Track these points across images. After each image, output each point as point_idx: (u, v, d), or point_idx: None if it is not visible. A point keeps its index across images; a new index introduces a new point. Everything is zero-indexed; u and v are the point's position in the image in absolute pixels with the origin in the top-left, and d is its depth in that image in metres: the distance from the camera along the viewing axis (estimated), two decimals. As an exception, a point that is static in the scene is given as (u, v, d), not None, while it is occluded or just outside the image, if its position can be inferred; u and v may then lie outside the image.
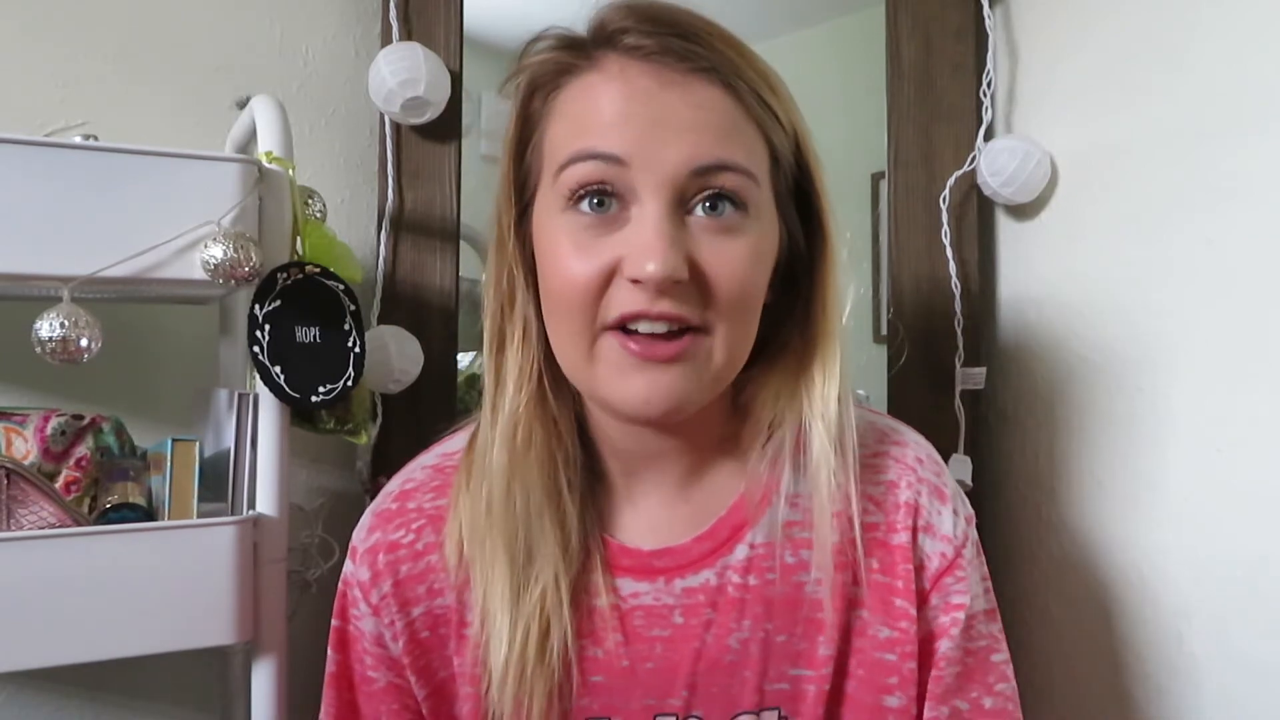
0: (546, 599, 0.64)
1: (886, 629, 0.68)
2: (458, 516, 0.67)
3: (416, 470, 0.73)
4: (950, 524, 0.69)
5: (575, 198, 0.59)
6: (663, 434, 0.67)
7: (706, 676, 0.67)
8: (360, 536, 0.71)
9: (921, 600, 0.68)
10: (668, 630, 0.67)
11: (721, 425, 0.69)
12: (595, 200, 0.59)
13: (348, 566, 0.71)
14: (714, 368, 0.61)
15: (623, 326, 0.59)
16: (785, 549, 0.67)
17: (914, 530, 0.68)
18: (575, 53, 0.61)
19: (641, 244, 0.57)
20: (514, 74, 0.64)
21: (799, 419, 0.65)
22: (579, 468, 0.67)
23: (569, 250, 0.59)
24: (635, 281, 0.57)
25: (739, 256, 0.59)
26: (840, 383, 0.65)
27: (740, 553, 0.67)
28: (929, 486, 0.69)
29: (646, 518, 0.69)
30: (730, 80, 0.59)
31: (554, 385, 0.65)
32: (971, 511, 0.71)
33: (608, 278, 0.59)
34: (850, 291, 0.67)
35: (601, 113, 0.59)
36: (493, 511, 0.65)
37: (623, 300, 0.58)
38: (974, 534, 0.70)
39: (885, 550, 0.68)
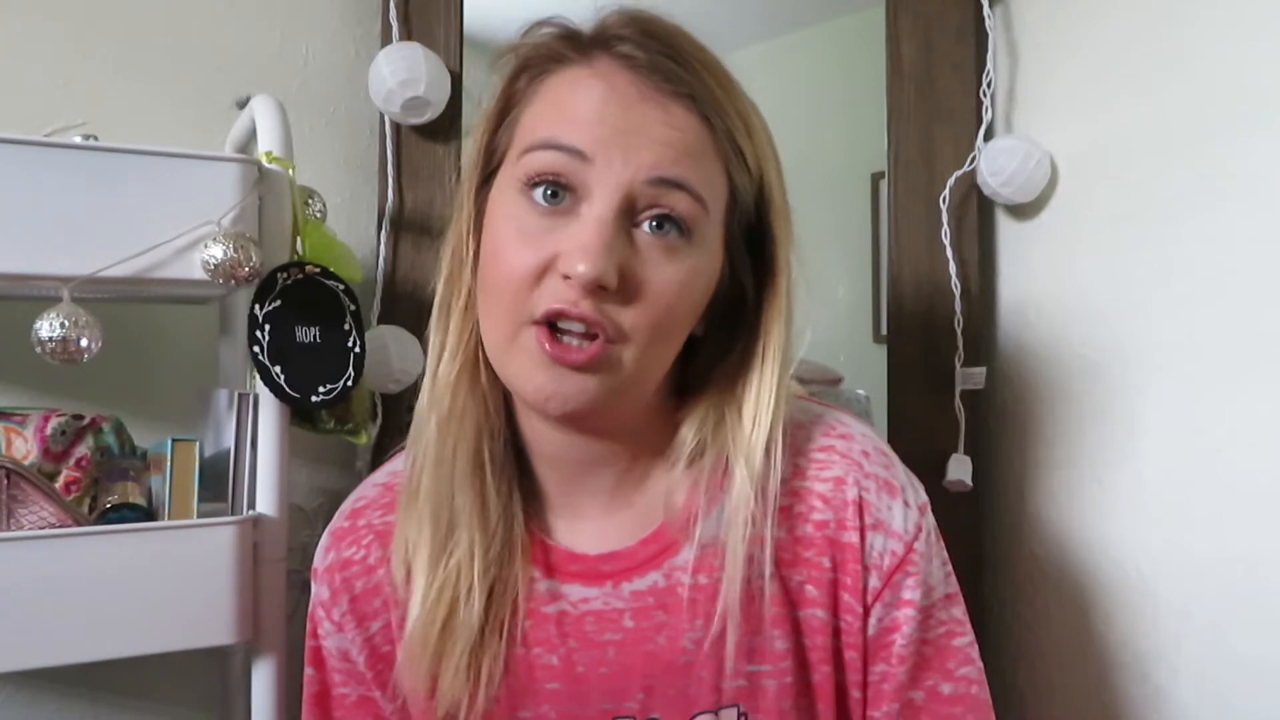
0: (460, 574, 0.65)
1: (839, 624, 0.68)
2: (402, 531, 0.68)
3: (367, 488, 0.73)
4: (901, 519, 0.68)
5: (531, 183, 0.60)
6: (590, 439, 0.67)
7: (662, 678, 0.67)
8: (319, 558, 0.72)
9: (874, 597, 0.67)
10: (619, 634, 0.67)
11: (656, 438, 0.69)
12: (549, 191, 0.60)
13: (312, 586, 0.72)
14: (622, 378, 0.61)
15: (547, 322, 0.59)
16: (750, 599, 0.66)
17: (862, 529, 0.67)
18: (570, 44, 0.62)
19: (579, 243, 0.58)
20: (507, 50, 0.65)
21: (721, 453, 0.66)
22: (503, 441, 0.67)
23: (513, 236, 0.60)
24: (566, 278, 0.58)
25: (672, 278, 0.60)
26: (771, 429, 0.65)
27: (687, 553, 0.67)
28: (877, 481, 0.68)
29: (590, 525, 0.69)
30: (708, 113, 0.60)
31: (486, 357, 0.66)
32: (925, 499, 0.71)
33: (543, 271, 0.59)
34: (807, 337, 0.68)
35: (578, 107, 0.60)
36: (423, 478, 0.66)
37: (551, 294, 0.59)
38: (929, 521, 0.70)
39: (837, 548, 0.67)
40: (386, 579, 0.69)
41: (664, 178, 0.59)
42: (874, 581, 0.67)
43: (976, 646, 0.70)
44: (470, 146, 0.66)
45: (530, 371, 0.60)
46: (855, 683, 0.68)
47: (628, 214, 0.59)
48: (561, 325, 0.59)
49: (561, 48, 0.62)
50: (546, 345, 0.59)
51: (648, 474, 0.69)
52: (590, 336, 0.59)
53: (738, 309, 0.67)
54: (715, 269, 0.64)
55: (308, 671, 0.72)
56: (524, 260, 0.59)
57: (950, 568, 0.71)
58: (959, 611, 0.70)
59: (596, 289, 0.58)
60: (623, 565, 0.68)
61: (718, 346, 0.68)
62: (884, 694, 0.67)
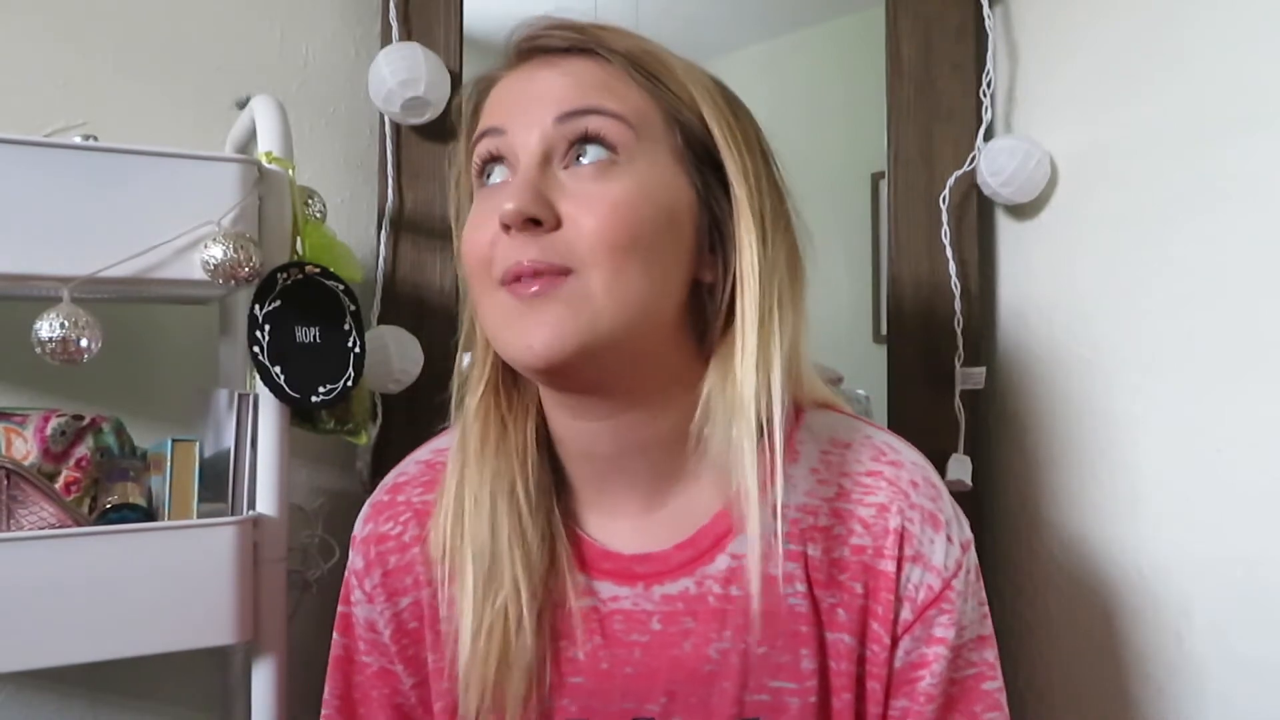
0: (509, 605, 0.65)
1: (865, 652, 0.67)
2: (441, 513, 0.68)
3: (410, 465, 0.74)
4: (942, 554, 0.67)
5: (479, 174, 0.65)
6: (615, 425, 0.65)
7: (685, 685, 0.66)
8: (358, 527, 0.73)
9: (904, 629, 0.67)
10: (646, 636, 0.67)
11: (686, 422, 0.66)
12: (489, 172, 0.64)
13: (350, 555, 0.74)
14: (595, 305, 0.59)
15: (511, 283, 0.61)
16: (769, 561, 0.65)
17: (900, 559, 0.67)
18: (501, 65, 0.67)
19: (506, 194, 0.60)
20: (464, 98, 0.70)
21: (725, 413, 0.63)
22: (536, 467, 0.68)
23: (474, 221, 0.64)
24: (506, 228, 0.60)
25: (609, 192, 0.60)
26: (760, 365, 0.62)
27: (721, 563, 0.67)
28: (922, 513, 0.67)
29: (625, 524, 0.69)
30: (604, 53, 0.63)
31: (507, 382, 0.68)
32: (969, 536, 0.69)
33: (495, 239, 0.62)
34: (801, 264, 0.66)
35: (494, 102, 0.66)
36: (463, 510, 0.67)
37: (503, 255, 0.60)
38: (971, 559, 0.68)
39: (871, 574, 0.67)
40: (420, 557, 0.70)
41: (569, 111, 0.61)
42: (906, 613, 0.67)
43: (1005, 694, 0.69)
44: (456, 191, 0.70)
45: (507, 330, 0.61)
46: (875, 715, 0.68)
47: (548, 159, 0.62)
48: (525, 282, 0.60)
49: (495, 70, 0.67)
50: (510, 290, 0.60)
51: (684, 472, 0.68)
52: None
53: (722, 245, 0.65)
54: (668, 188, 0.62)
55: (335, 637, 0.74)
56: (480, 235, 0.62)
57: (987, 609, 0.70)
58: (991, 655, 0.69)
59: (529, 224, 0.59)
60: (656, 568, 0.67)
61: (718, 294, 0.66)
62: None
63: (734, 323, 0.64)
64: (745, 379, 0.62)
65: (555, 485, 0.69)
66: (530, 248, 0.59)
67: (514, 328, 0.60)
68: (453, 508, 0.67)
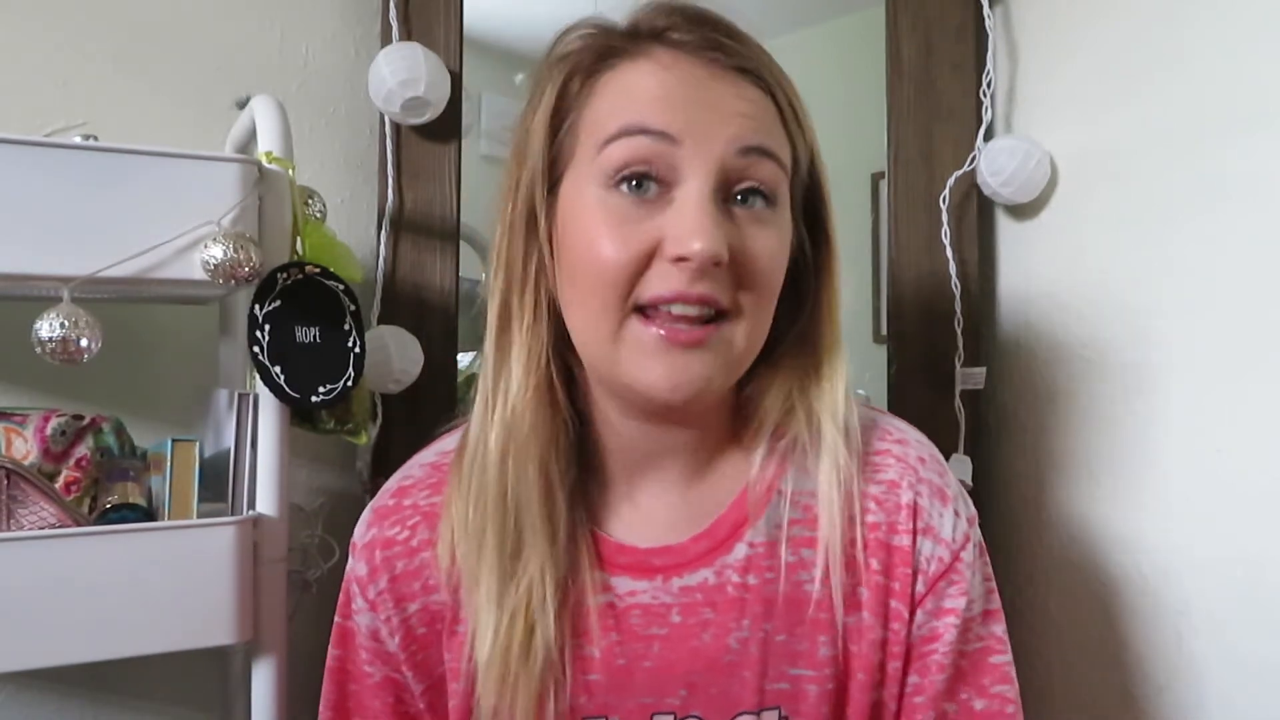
0: (531, 595, 0.64)
1: (882, 631, 0.68)
2: (450, 517, 0.67)
3: (414, 468, 0.73)
4: (950, 527, 0.68)
5: (617, 177, 0.60)
6: (670, 428, 0.67)
7: (705, 676, 0.66)
8: (359, 532, 0.71)
9: (917, 603, 0.68)
10: (665, 629, 0.67)
11: (725, 422, 0.69)
12: (635, 183, 0.60)
13: (349, 562, 0.71)
14: (735, 353, 0.62)
15: (651, 308, 0.60)
16: (786, 548, 0.67)
17: (914, 533, 0.68)
18: (620, 39, 0.63)
19: (687, 224, 0.58)
20: (551, 58, 0.65)
21: (810, 417, 0.67)
22: (571, 463, 0.67)
23: (605, 231, 0.60)
24: (679, 260, 0.58)
25: (770, 245, 0.62)
26: (844, 382, 0.67)
27: (739, 552, 0.67)
28: (930, 487, 0.69)
29: (645, 515, 0.69)
30: (771, 86, 0.63)
31: (560, 373, 0.66)
32: (974, 512, 0.71)
33: (645, 260, 0.59)
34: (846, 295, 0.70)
35: (652, 92, 0.60)
36: (486, 503, 0.65)
37: (661, 281, 0.59)
38: (976, 534, 0.70)
39: (886, 551, 0.68)
40: (433, 561, 0.68)
41: (751, 146, 0.60)
42: (920, 586, 0.68)
43: (1014, 668, 0.69)
44: (522, 162, 0.64)
45: (644, 362, 0.60)
46: (892, 695, 0.68)
47: (722, 190, 0.60)
48: (676, 311, 0.59)
49: (611, 44, 0.63)
50: (660, 330, 0.59)
51: (712, 466, 0.69)
52: (702, 320, 0.60)
53: (798, 275, 0.68)
54: (791, 232, 0.65)
55: (331, 651, 0.72)
56: (622, 251, 0.59)
57: (993, 585, 0.71)
58: (999, 630, 0.70)
59: (711, 267, 0.58)
60: (674, 560, 0.67)
61: (784, 314, 0.67)
62: (917, 706, 0.67)
63: (819, 344, 0.67)
64: (838, 402, 0.67)
65: (583, 481, 0.69)
66: (700, 282, 0.59)
67: (652, 365, 0.60)
68: (480, 496, 0.65)
